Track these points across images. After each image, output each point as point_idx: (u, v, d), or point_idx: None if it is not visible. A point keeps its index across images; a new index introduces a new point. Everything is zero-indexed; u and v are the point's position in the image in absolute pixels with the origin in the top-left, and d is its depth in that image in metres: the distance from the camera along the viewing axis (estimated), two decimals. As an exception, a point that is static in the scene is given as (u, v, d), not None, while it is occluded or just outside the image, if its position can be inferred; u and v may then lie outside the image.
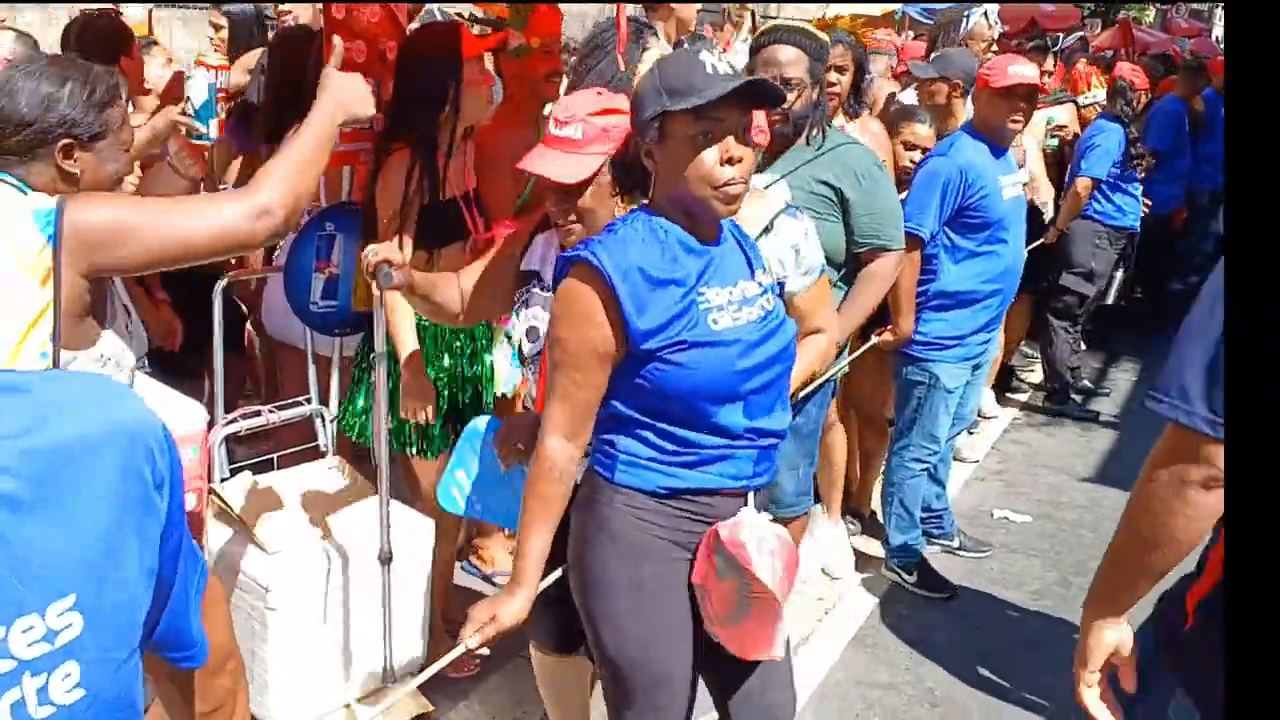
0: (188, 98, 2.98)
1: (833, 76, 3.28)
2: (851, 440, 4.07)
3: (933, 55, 4.80)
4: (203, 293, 3.03)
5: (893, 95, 4.80)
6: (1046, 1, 7.71)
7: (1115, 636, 1.59)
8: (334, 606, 2.64)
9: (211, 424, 2.76)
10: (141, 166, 2.90)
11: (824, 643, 3.44)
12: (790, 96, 2.76)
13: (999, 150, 3.57)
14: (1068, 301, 5.63)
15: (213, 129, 3.00)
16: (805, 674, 3.06)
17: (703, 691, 2.06)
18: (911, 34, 7.09)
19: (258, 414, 2.97)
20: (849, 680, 3.26)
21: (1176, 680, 1.53)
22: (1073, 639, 1.66)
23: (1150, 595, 1.58)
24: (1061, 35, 7.79)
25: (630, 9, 2.95)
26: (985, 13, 5.33)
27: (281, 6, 5.26)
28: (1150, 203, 5.84)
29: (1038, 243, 4.97)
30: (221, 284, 3.03)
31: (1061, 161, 5.81)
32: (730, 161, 1.72)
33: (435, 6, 4.66)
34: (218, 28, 4.52)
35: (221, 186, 3.70)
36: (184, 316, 3.33)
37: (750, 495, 1.92)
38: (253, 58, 4.02)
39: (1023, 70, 3.47)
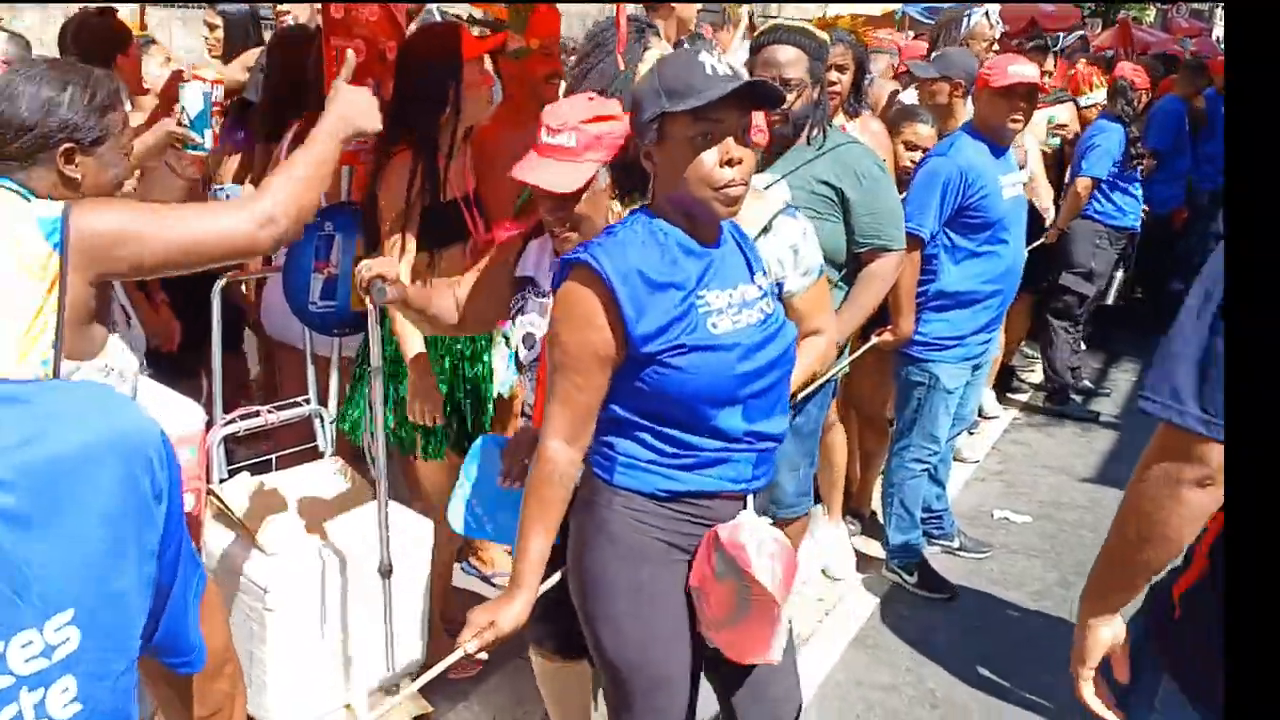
0: (182, 108, 2.98)
1: (833, 76, 3.28)
2: (852, 440, 4.06)
3: (933, 55, 4.79)
4: (201, 293, 3.03)
5: (895, 94, 4.79)
6: (1047, 1, 7.72)
7: (1110, 634, 1.61)
8: (333, 608, 2.63)
9: (210, 424, 2.76)
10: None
11: (824, 643, 3.44)
12: (790, 97, 2.75)
13: (999, 150, 3.56)
14: (1068, 301, 5.63)
15: (208, 139, 3.00)
16: (806, 675, 3.03)
17: (708, 694, 2.05)
18: (911, 34, 7.10)
19: (256, 414, 2.96)
20: (849, 681, 3.25)
21: (1164, 667, 1.56)
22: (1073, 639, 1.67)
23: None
24: (1062, 35, 7.80)
25: (631, 8, 2.94)
26: (986, 12, 5.33)
27: (281, 7, 5.25)
28: (1148, 206, 5.83)
29: (1038, 242, 4.97)
30: (220, 284, 3.02)
31: (1062, 161, 5.80)
32: (730, 163, 1.71)
33: (434, 7, 4.65)
34: (213, 27, 4.51)
35: (217, 186, 3.69)
36: (182, 316, 3.33)
37: (749, 498, 1.91)
38: (253, 55, 4.02)
39: (1023, 70, 3.46)
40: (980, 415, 5.29)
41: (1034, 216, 4.61)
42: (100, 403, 0.95)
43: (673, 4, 3.58)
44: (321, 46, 2.76)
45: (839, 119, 3.41)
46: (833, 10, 6.04)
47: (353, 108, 2.01)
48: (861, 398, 4.03)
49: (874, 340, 3.49)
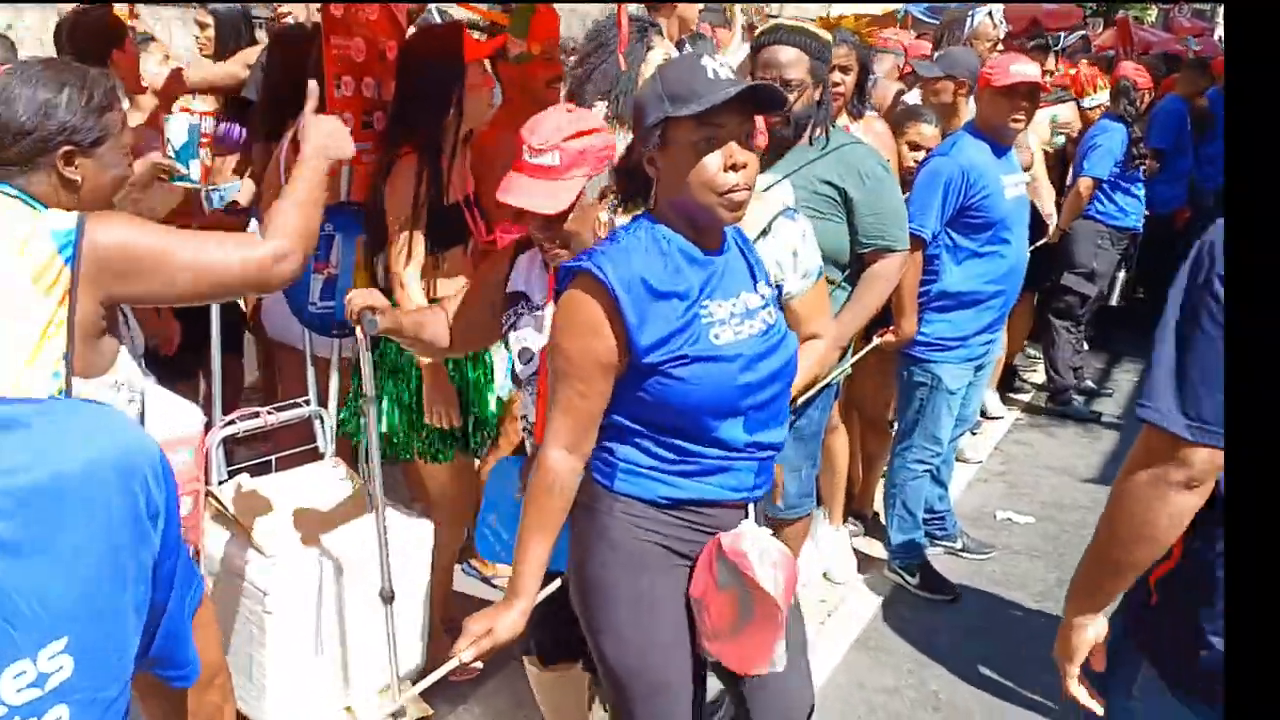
0: (167, 140, 2.96)
1: (837, 77, 3.26)
2: (854, 442, 4.05)
3: (936, 54, 4.78)
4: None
5: (900, 95, 4.78)
6: (1049, 1, 7.71)
7: (1094, 632, 1.69)
8: (332, 611, 2.62)
9: (209, 425, 2.75)
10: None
11: (826, 645, 3.43)
12: (791, 98, 2.74)
13: (1001, 150, 3.55)
14: (1069, 302, 5.62)
15: (194, 170, 2.98)
16: (807, 677, 3.05)
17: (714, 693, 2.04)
18: (914, 33, 7.08)
19: (256, 415, 2.95)
20: (851, 683, 3.24)
21: (1140, 649, 1.63)
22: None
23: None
24: (1063, 34, 7.79)
25: (633, 7, 2.94)
26: (990, 12, 5.32)
27: (281, 7, 5.24)
28: (1150, 207, 5.82)
29: (1040, 243, 4.96)
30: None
31: (1065, 160, 5.79)
32: (734, 167, 1.69)
33: (434, 8, 4.65)
34: (204, 26, 4.50)
35: (211, 187, 3.69)
36: (181, 317, 3.33)
37: (751, 507, 1.91)
38: (253, 53, 4.01)
39: (1025, 69, 3.45)
40: (983, 416, 5.28)
41: (1035, 216, 4.60)
42: (98, 424, 0.94)
43: (674, 3, 3.57)
44: (322, 46, 2.75)
45: (842, 120, 3.40)
46: (835, 10, 6.02)
47: (327, 137, 2.08)
48: (864, 399, 4.02)
49: (876, 341, 3.49)
